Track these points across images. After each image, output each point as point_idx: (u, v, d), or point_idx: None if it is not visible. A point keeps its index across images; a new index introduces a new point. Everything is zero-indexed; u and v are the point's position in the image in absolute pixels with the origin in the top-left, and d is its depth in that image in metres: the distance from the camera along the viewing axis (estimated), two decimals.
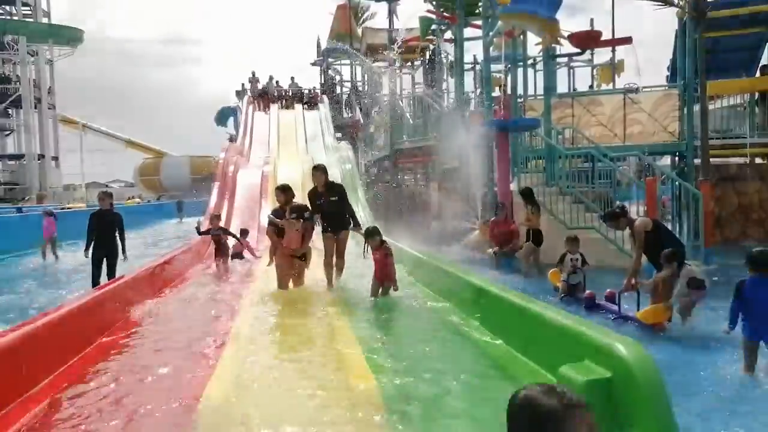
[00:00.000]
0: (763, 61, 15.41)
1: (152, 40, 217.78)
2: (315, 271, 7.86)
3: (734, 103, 14.82)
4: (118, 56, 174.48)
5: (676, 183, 12.51)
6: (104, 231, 8.53)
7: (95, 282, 8.14)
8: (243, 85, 27.69)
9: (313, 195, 7.71)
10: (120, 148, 47.67)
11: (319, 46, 28.47)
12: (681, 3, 12.96)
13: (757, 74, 14.93)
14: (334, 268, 7.68)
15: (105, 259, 8.50)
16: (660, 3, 13.42)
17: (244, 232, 11.67)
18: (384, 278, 6.86)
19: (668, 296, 6.40)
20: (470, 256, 11.46)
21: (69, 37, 39.07)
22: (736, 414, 4.20)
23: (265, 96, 25.66)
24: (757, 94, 13.76)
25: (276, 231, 7.47)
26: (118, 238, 8.68)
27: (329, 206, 7.55)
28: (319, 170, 7.67)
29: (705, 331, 6.23)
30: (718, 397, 4.50)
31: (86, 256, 8.70)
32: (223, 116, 29.42)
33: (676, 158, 14.41)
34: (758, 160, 14.48)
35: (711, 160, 12.22)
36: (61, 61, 40.59)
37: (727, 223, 12.27)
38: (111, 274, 8.36)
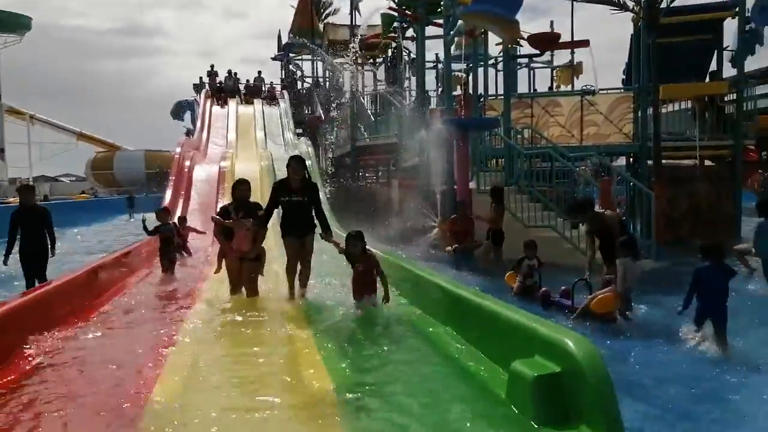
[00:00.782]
0: (712, 67, 15.89)
1: (107, 29, 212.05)
2: (271, 278, 7.25)
3: (686, 107, 15.24)
4: (70, 46, 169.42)
5: (630, 183, 12.81)
6: (32, 229, 7.62)
7: (39, 281, 7.24)
8: (201, 78, 27.17)
9: (279, 189, 6.56)
10: (71, 140, 46.07)
11: (280, 40, 28.13)
12: (636, 8, 13.26)
13: (707, 79, 15.38)
14: (297, 276, 6.62)
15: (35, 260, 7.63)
16: (616, 8, 13.72)
17: (182, 220, 11.19)
18: (364, 291, 5.90)
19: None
20: (430, 254, 11.47)
21: (15, 24, 37.58)
22: (680, 408, 4.30)
23: (222, 91, 25.27)
24: (706, 98, 14.18)
25: (224, 232, 6.67)
26: (47, 236, 7.76)
27: (295, 208, 6.48)
28: (297, 162, 6.48)
29: (656, 324, 6.42)
30: (664, 391, 4.60)
31: (5, 264, 7.76)
32: (179, 110, 28.81)
33: (631, 159, 14.75)
34: (708, 163, 14.94)
35: (663, 161, 12.55)
36: (9, 49, 39.05)
37: (678, 223, 12.60)
38: (41, 277, 7.48)
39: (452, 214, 11.38)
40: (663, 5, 12.42)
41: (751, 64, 14.36)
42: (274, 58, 29.11)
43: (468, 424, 3.24)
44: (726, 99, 14.13)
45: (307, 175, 6.60)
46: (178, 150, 17.86)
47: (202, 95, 25.12)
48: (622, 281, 6.46)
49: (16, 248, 7.74)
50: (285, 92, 26.17)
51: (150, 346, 4.80)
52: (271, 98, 25.34)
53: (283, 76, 28.38)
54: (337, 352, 4.60)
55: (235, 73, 26.80)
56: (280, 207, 6.58)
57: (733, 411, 4.36)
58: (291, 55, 27.15)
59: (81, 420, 3.35)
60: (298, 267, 6.61)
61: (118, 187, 39.42)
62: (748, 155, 15.28)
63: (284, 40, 27.39)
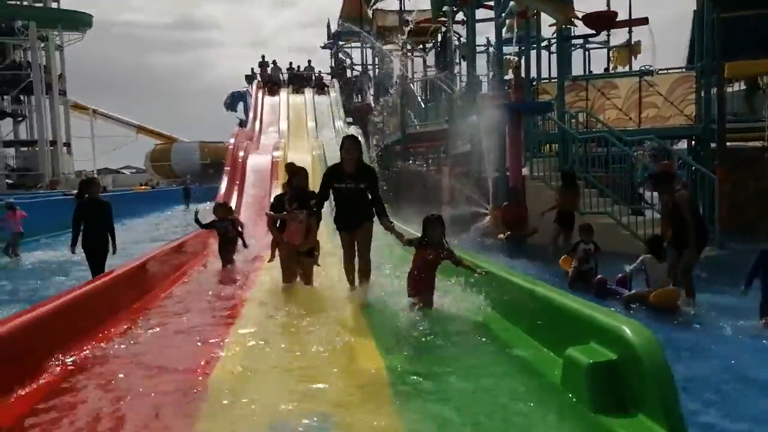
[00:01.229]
0: None
1: (163, 24, 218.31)
2: (329, 270, 6.87)
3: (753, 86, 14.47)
4: (128, 41, 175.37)
5: (692, 167, 12.28)
6: (96, 222, 7.84)
7: (97, 272, 7.34)
8: (253, 69, 27.63)
9: (331, 175, 5.79)
10: (131, 134, 47.85)
11: (329, 29, 28.25)
12: None
13: None
14: (357, 272, 5.92)
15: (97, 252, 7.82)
16: None
17: (221, 206, 9.80)
18: (422, 287, 5.28)
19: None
20: (482, 242, 11.34)
21: (78, 21, 39.10)
22: (742, 398, 4.13)
23: (272, 83, 25.70)
24: None
25: (276, 223, 6.53)
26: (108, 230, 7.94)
27: (351, 196, 5.70)
28: (352, 141, 5.74)
29: (719, 313, 6.21)
30: (726, 382, 4.43)
31: (73, 252, 8.02)
32: (233, 101, 29.42)
33: (693, 142, 14.12)
34: None
35: (728, 144, 11.95)
36: (72, 47, 40.72)
37: (743, 209, 11.99)
38: (101, 269, 7.54)
39: (504, 201, 11.21)
40: None
41: None
42: (323, 47, 29.31)
43: (523, 409, 3.21)
44: None
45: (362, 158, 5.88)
46: (232, 141, 18.21)
47: (254, 86, 25.56)
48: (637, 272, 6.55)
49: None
50: (335, 81, 26.32)
51: (205, 335, 4.84)
52: (319, 87, 25.53)
53: (333, 65, 28.53)
54: (391, 340, 4.55)
55: (297, 67, 27.16)
56: (332, 196, 5.89)
57: None
58: (340, 43, 27.26)
59: (154, 392, 3.51)
60: (356, 261, 5.90)
61: (176, 178, 40.69)
62: None
63: (333, 28, 27.50)
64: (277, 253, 6.73)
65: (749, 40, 14.05)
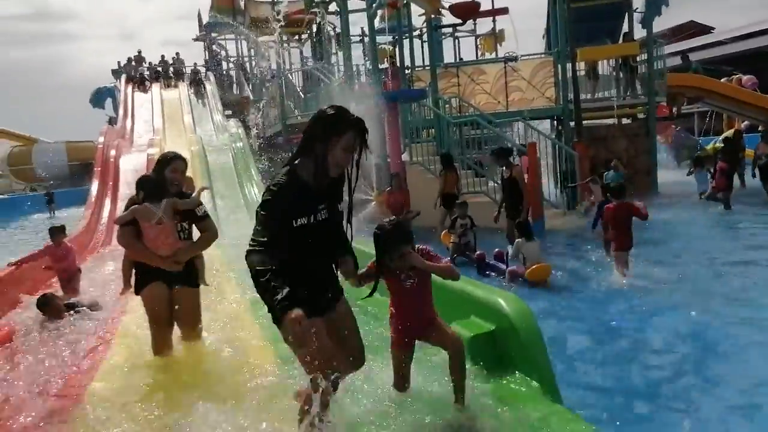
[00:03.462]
0: (625, 29, 16.60)
1: (14, 15, 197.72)
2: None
3: (605, 70, 15.92)
4: None
5: (556, 145, 13.38)
6: None
7: None
8: (120, 63, 26.01)
9: (289, 201, 2.72)
10: None
11: (200, 20, 27.12)
12: None
13: (620, 41, 16.07)
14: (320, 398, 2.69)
15: None
16: None
17: (56, 231, 7.13)
18: (423, 331, 3.25)
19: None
20: (367, 227, 11.61)
21: None
22: (606, 357, 4.71)
23: (142, 79, 24.44)
24: (620, 60, 14.90)
25: (134, 233, 4.20)
26: None
27: (322, 236, 2.83)
28: (356, 127, 2.97)
29: (583, 277, 7.07)
30: (592, 342, 5.02)
31: None
32: (99, 97, 27.42)
33: (555, 122, 15.33)
34: (625, 121, 15.73)
35: (584, 122, 13.15)
36: None
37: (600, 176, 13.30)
38: None
39: (387, 186, 11.58)
40: None
41: (660, 25, 15.08)
42: (196, 39, 28.11)
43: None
44: (638, 59, 14.86)
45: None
46: (101, 139, 17.21)
47: (123, 81, 24.12)
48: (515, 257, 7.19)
49: None
50: (210, 73, 25.46)
51: None
52: (195, 83, 24.53)
53: (207, 57, 27.52)
54: None
55: (172, 59, 25.94)
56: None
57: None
58: (213, 35, 26.32)
59: None
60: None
61: (41, 182, 37.29)
62: (660, 111, 16.20)
63: (205, 19, 26.45)
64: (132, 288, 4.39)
65: (597, 27, 15.47)
